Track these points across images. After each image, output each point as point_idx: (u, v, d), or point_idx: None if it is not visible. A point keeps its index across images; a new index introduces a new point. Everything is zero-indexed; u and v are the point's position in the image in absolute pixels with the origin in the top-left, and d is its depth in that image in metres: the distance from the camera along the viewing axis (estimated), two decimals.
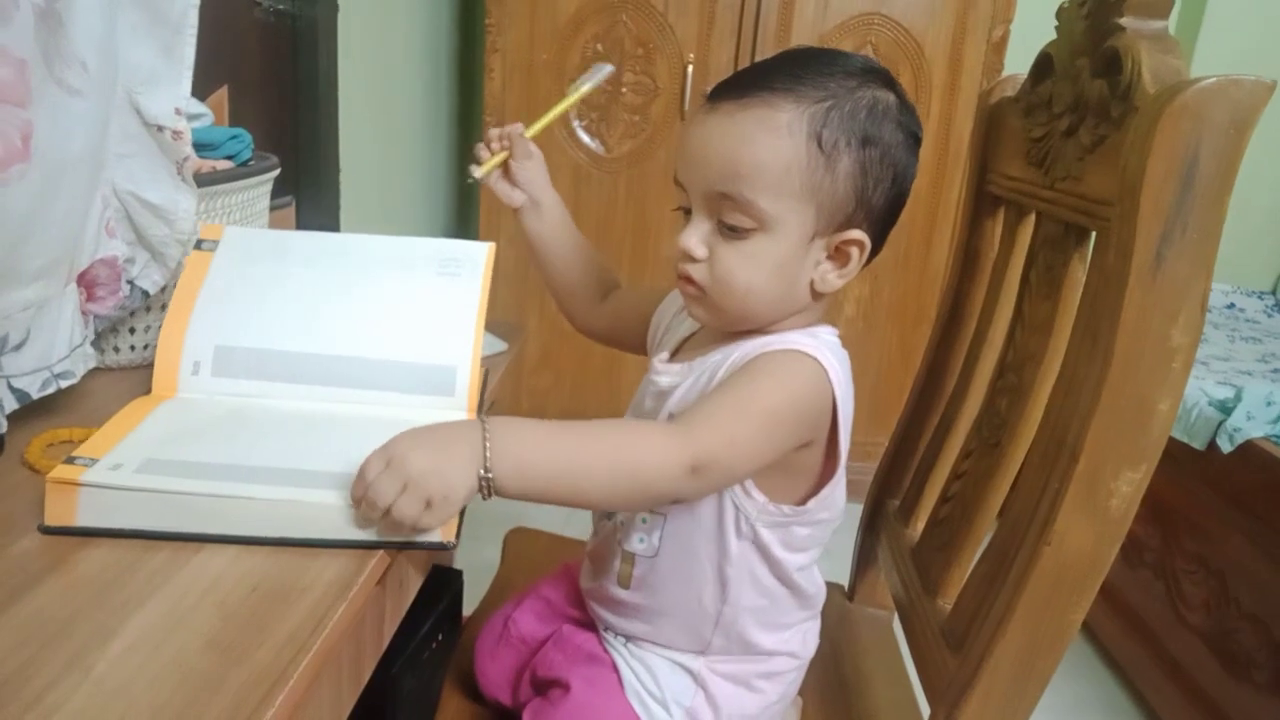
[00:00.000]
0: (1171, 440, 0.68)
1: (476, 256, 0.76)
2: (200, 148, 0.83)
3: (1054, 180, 0.66)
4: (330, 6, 1.58)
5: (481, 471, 0.52)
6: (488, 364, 0.88)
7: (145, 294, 0.77)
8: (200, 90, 0.85)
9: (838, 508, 0.68)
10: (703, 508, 0.65)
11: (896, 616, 0.85)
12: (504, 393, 1.07)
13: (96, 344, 0.75)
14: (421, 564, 0.64)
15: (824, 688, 0.84)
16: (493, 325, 0.95)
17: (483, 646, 0.79)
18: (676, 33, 1.93)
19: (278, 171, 0.93)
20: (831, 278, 0.64)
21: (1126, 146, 0.53)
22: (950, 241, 2.02)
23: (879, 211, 0.63)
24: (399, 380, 0.70)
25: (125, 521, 0.52)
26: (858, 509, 1.00)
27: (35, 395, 0.65)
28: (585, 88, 0.83)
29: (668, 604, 0.68)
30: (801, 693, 0.78)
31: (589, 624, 0.76)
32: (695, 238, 0.63)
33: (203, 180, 0.78)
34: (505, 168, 0.80)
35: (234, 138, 0.90)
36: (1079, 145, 0.62)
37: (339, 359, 0.70)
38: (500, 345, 0.99)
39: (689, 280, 0.64)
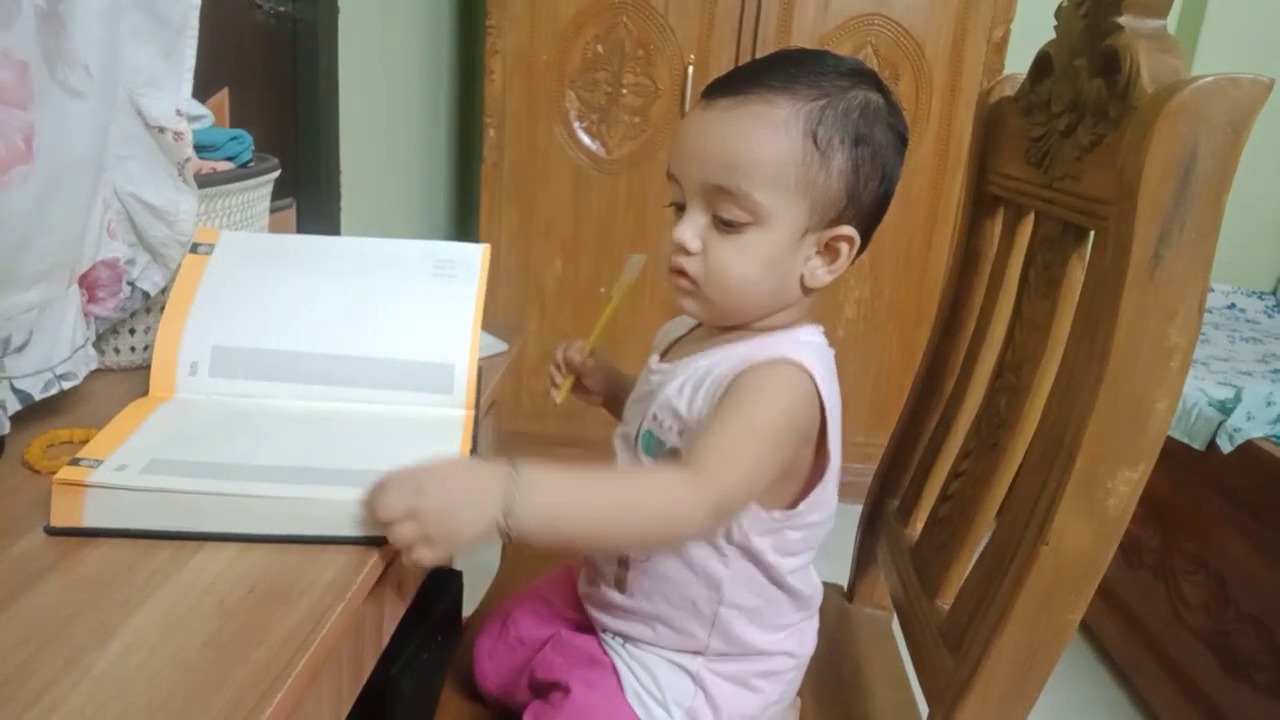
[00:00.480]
0: (1171, 440, 0.68)
1: (472, 258, 0.76)
2: (201, 149, 0.83)
3: (1053, 180, 0.66)
4: (331, 8, 1.58)
5: (502, 521, 0.52)
6: (488, 365, 0.89)
7: (146, 295, 0.77)
8: (201, 92, 0.85)
9: (828, 509, 0.68)
10: None
11: (896, 617, 0.85)
12: (504, 393, 1.07)
13: (97, 345, 0.76)
14: None
15: (823, 688, 0.84)
16: (492, 326, 0.96)
17: (482, 647, 0.80)
18: (677, 34, 1.93)
19: (278, 173, 0.93)
20: (821, 273, 0.65)
21: (1124, 146, 0.53)
22: (950, 242, 2.01)
23: (868, 209, 0.65)
24: (397, 378, 0.70)
25: (131, 522, 0.53)
26: (857, 509, 1.00)
27: (38, 396, 0.65)
28: (626, 284, 0.82)
29: (663, 608, 0.69)
30: (800, 693, 0.78)
31: (588, 626, 0.76)
32: (690, 231, 0.64)
33: (203, 181, 0.78)
34: (577, 383, 0.84)
35: (234, 139, 0.90)
36: (1077, 145, 0.62)
37: (337, 358, 0.70)
38: (500, 345, 0.99)
39: (682, 273, 0.65)
